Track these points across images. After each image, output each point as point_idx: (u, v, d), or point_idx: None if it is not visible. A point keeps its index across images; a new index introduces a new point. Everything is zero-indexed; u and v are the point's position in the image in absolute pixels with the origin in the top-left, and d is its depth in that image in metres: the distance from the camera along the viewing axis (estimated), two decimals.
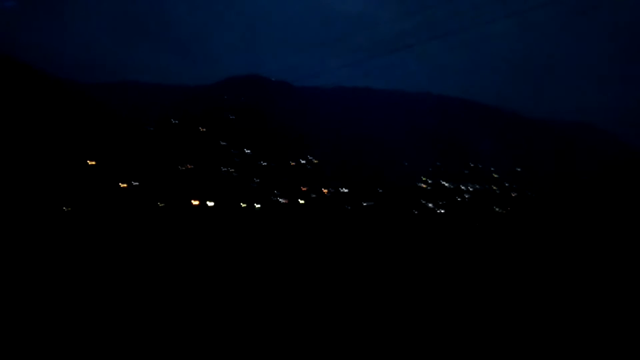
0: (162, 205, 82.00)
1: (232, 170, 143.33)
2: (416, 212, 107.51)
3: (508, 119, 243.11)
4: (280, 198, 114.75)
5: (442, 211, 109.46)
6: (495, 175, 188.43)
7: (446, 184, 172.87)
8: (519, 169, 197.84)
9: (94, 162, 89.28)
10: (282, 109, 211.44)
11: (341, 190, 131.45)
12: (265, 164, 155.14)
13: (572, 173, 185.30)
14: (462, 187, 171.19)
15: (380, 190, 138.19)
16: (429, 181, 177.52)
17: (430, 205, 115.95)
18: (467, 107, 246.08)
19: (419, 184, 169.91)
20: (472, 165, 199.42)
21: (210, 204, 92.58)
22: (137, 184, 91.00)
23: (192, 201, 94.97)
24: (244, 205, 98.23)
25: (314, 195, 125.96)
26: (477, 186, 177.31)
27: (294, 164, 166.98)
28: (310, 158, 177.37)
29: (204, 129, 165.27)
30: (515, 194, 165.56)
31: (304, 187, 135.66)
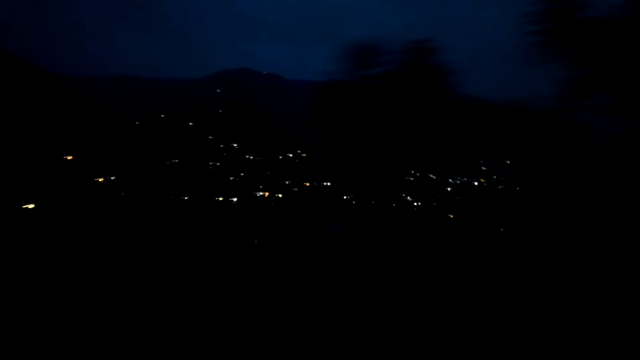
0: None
1: (218, 164, 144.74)
2: (394, 205, 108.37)
3: (499, 110, 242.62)
4: (260, 192, 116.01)
5: (419, 203, 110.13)
6: (484, 168, 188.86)
7: (433, 177, 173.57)
8: (507, 162, 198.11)
9: (70, 157, 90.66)
10: (272, 103, 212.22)
11: (323, 184, 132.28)
12: (251, 157, 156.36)
13: (561, 163, 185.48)
14: (450, 181, 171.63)
15: (363, 183, 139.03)
16: (417, 174, 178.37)
17: (409, 198, 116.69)
18: (457, 98, 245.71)
19: (406, 177, 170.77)
20: (461, 157, 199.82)
21: (185, 197, 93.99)
22: (113, 178, 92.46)
23: (169, 195, 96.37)
24: (220, 199, 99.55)
25: (295, 189, 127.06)
26: (465, 179, 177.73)
27: (281, 157, 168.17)
28: (298, 152, 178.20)
29: (192, 123, 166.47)
30: (502, 186, 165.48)
31: (287, 180, 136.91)
